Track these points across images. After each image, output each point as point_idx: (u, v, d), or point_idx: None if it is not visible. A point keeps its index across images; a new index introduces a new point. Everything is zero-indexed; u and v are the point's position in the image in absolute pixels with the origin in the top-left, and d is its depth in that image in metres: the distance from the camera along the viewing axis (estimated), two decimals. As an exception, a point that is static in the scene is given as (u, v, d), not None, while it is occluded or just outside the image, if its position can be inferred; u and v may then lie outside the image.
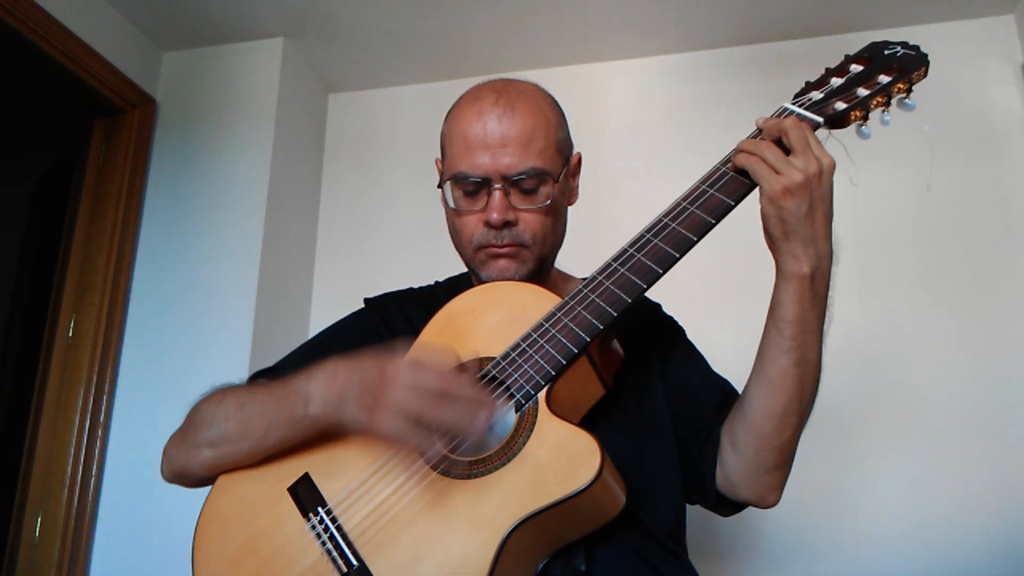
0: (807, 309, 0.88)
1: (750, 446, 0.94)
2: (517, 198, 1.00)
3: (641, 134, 2.48)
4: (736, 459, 0.96)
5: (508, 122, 0.98)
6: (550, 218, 1.02)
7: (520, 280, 1.01)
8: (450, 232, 1.08)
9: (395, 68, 2.65)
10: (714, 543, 2.04)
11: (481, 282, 1.04)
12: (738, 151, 0.90)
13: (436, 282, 1.23)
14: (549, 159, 1.00)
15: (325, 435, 0.88)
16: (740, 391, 1.01)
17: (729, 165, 0.91)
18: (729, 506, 1.02)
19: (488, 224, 0.99)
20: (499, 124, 0.98)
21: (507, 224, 0.99)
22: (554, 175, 1.01)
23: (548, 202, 1.00)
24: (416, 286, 1.23)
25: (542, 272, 1.06)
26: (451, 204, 1.03)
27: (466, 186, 1.00)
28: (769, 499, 0.97)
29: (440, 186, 1.06)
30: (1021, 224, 2.15)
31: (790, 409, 0.91)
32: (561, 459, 0.78)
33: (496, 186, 0.98)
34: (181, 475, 0.98)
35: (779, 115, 0.93)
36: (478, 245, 1.02)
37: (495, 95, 1.01)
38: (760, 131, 0.92)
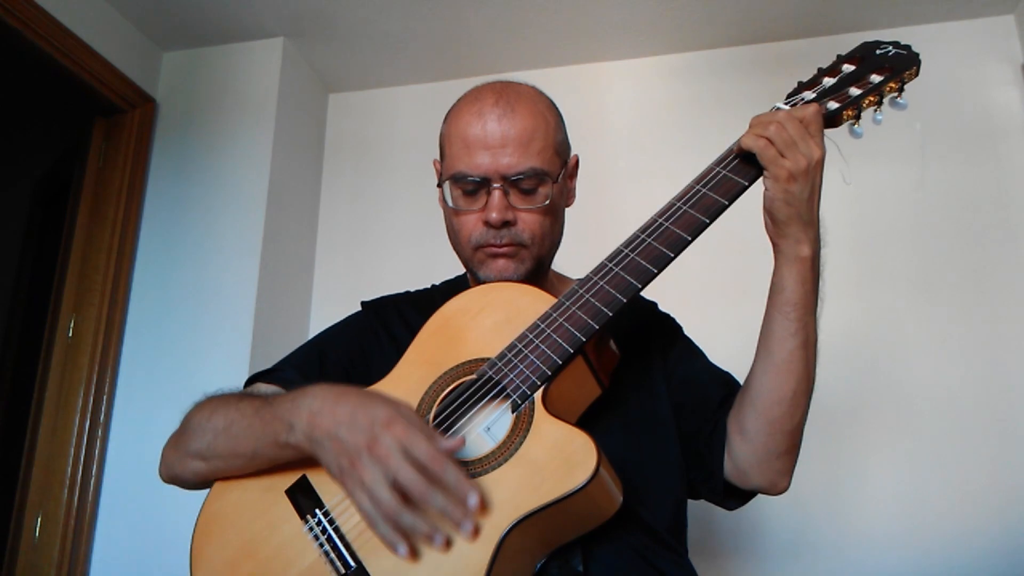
0: (809, 291, 0.91)
1: (761, 432, 0.95)
2: (516, 198, 1.00)
3: (640, 134, 2.48)
4: (746, 447, 0.97)
5: (508, 123, 0.99)
6: (548, 218, 1.03)
7: (518, 280, 1.01)
8: (448, 232, 1.09)
9: (395, 68, 2.65)
10: (714, 541, 2.04)
11: (479, 282, 1.05)
12: (747, 133, 0.91)
13: (433, 285, 1.23)
14: (548, 160, 1.01)
15: None
16: (740, 384, 1.02)
17: (736, 147, 0.92)
18: (737, 496, 1.03)
19: (487, 224, 1.00)
20: (499, 124, 0.99)
21: (506, 224, 1.00)
22: (553, 176, 1.01)
23: (547, 202, 1.01)
24: (413, 289, 1.23)
25: (539, 273, 1.06)
26: (450, 204, 1.04)
27: (465, 185, 1.01)
28: (780, 484, 0.99)
29: (439, 186, 1.06)
30: (1021, 223, 2.15)
31: (799, 391, 0.93)
32: (558, 458, 0.79)
33: (495, 186, 0.99)
34: (176, 479, 0.99)
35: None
36: (477, 245, 1.02)
37: (495, 96, 1.02)
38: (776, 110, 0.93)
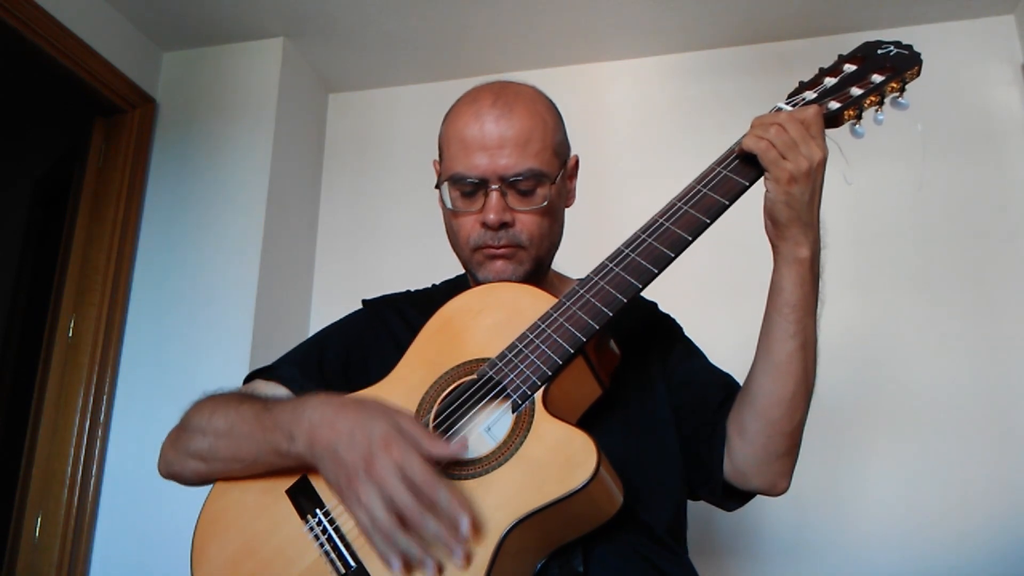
0: (807, 292, 0.91)
1: (761, 434, 0.95)
2: (514, 199, 1.00)
3: (641, 134, 2.48)
4: (746, 448, 0.97)
5: (506, 123, 0.99)
6: (547, 219, 1.03)
7: (517, 281, 1.01)
8: (447, 233, 1.09)
9: (395, 68, 2.65)
10: (714, 541, 2.04)
11: (478, 283, 1.05)
12: (748, 134, 0.90)
13: (433, 284, 1.23)
14: (546, 161, 1.01)
15: None
16: (740, 385, 1.02)
17: (737, 147, 0.92)
18: (737, 497, 1.03)
19: (485, 225, 0.99)
20: (497, 125, 0.98)
21: (504, 225, 0.99)
22: (551, 176, 1.01)
23: (545, 203, 1.00)
24: (414, 289, 1.23)
25: (539, 273, 1.06)
26: (448, 205, 1.03)
27: (463, 187, 1.01)
28: (780, 485, 0.99)
29: (438, 187, 1.06)
30: (1021, 223, 2.15)
31: (798, 393, 0.93)
32: (558, 459, 0.78)
33: (493, 187, 0.98)
34: (175, 476, 1.00)
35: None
36: (475, 246, 1.02)
37: (493, 97, 1.02)
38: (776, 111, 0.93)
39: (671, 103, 2.50)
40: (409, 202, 2.57)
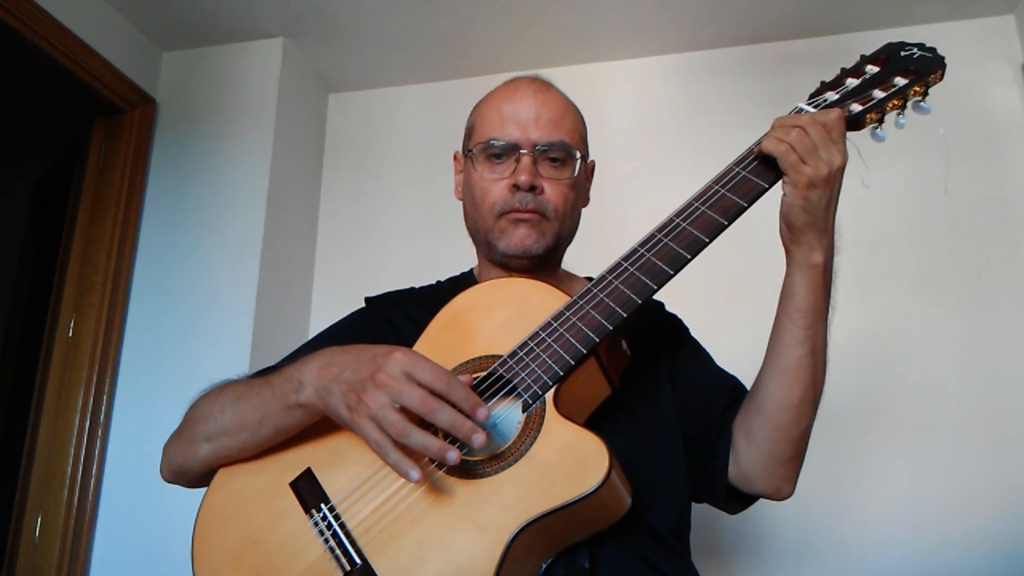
0: (819, 299, 0.91)
1: (767, 438, 0.95)
2: (544, 168, 1.04)
3: (641, 134, 2.48)
4: (752, 453, 0.97)
5: (542, 98, 1.05)
6: (572, 194, 1.07)
7: (535, 256, 1.04)
8: (467, 206, 1.11)
9: (395, 68, 2.65)
10: (717, 543, 2.04)
11: (499, 253, 1.06)
12: (769, 136, 0.89)
13: (438, 281, 1.23)
14: (576, 142, 1.07)
15: (326, 427, 0.88)
16: (746, 388, 1.02)
17: (756, 148, 0.91)
18: (740, 501, 1.03)
19: (516, 186, 1.02)
20: (534, 99, 1.05)
21: (532, 189, 1.02)
22: (580, 154, 1.06)
23: (574, 175, 1.05)
24: (418, 286, 1.23)
25: (554, 260, 1.08)
26: (477, 171, 1.07)
27: (494, 150, 1.04)
28: (784, 490, 0.99)
29: (467, 154, 1.10)
30: (1021, 223, 2.15)
31: (806, 399, 0.93)
32: (569, 461, 0.78)
33: (524, 151, 1.02)
34: (180, 473, 0.98)
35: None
36: (501, 211, 1.04)
37: (529, 80, 1.09)
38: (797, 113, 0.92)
39: (671, 103, 2.50)
40: (409, 202, 2.56)
